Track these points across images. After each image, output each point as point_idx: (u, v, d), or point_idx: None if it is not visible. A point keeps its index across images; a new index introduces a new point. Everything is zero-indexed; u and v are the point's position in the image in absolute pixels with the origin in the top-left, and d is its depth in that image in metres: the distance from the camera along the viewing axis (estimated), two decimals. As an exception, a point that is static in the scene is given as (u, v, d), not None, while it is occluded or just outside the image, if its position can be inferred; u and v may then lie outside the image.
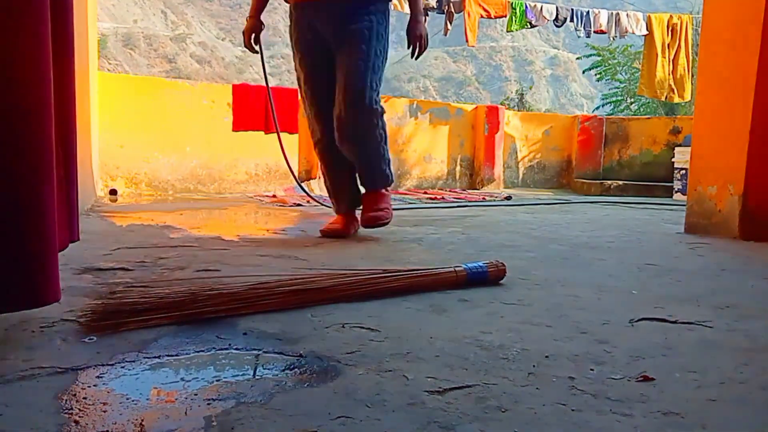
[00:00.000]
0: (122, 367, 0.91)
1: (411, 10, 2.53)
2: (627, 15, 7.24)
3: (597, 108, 16.71)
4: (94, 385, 0.84)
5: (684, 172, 5.47)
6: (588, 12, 7.18)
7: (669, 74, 7.33)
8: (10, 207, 0.95)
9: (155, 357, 0.96)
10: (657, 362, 0.99)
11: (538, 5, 7.01)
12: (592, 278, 1.68)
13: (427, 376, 0.90)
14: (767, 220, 2.59)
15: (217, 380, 0.87)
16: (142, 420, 0.73)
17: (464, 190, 6.13)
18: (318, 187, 5.07)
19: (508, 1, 6.90)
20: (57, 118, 1.15)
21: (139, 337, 1.04)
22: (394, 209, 3.79)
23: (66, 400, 0.78)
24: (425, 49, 2.47)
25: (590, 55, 15.53)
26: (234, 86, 5.05)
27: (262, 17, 2.56)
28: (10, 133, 0.94)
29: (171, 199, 4.27)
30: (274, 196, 4.65)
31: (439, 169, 6.20)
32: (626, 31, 7.21)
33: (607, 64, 15.26)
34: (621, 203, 4.85)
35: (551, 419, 0.76)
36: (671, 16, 7.48)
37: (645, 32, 7.31)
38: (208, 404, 0.78)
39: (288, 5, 2.51)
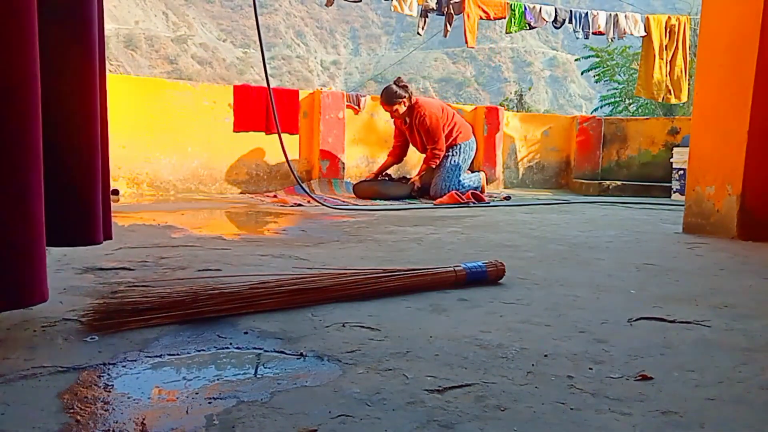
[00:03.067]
0: (124, 366, 0.92)
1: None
2: (625, 16, 7.24)
3: (596, 109, 16.70)
4: (96, 384, 0.84)
5: (682, 172, 5.47)
6: (586, 13, 7.18)
7: (666, 75, 7.33)
8: None
9: (157, 356, 0.97)
10: (655, 361, 0.99)
11: (537, 7, 7.01)
12: (590, 278, 1.69)
13: (427, 375, 0.90)
14: (765, 219, 2.59)
15: (218, 379, 0.88)
16: (144, 419, 0.73)
17: (464, 190, 6.14)
18: (318, 187, 5.07)
19: (507, 3, 6.90)
20: (79, 118, 1.21)
21: (141, 337, 1.05)
22: (394, 209, 3.80)
23: (68, 399, 0.78)
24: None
25: (589, 57, 15.54)
26: (235, 87, 5.05)
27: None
28: None
29: (172, 199, 4.27)
30: (275, 196, 4.66)
31: (439, 170, 6.21)
32: (624, 33, 7.21)
33: (605, 66, 15.27)
34: (619, 203, 4.85)
35: (550, 418, 0.77)
36: (669, 17, 7.48)
37: (643, 33, 7.31)
38: (210, 403, 0.79)
39: None
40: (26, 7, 0.96)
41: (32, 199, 0.98)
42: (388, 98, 4.71)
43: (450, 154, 4.77)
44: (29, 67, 0.97)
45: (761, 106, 2.54)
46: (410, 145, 5.01)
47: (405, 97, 4.69)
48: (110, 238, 1.43)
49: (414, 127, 4.79)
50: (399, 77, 4.93)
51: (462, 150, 4.80)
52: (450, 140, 4.77)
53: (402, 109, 4.71)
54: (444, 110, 4.83)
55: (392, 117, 4.87)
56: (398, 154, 5.06)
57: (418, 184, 4.82)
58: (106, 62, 1.37)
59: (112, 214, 3.26)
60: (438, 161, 4.76)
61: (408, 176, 4.96)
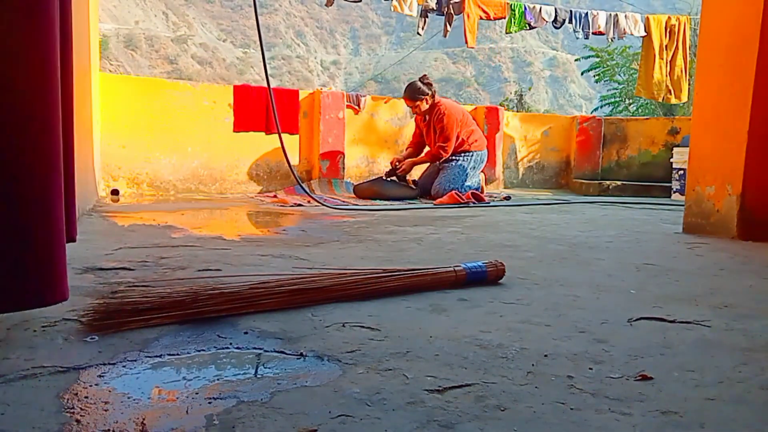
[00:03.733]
0: (124, 366, 0.92)
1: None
2: (625, 16, 7.24)
3: (596, 109, 16.71)
4: (96, 384, 0.84)
5: (682, 172, 5.47)
6: (587, 13, 7.18)
7: (666, 75, 7.33)
8: (16, 207, 0.96)
9: (156, 356, 0.97)
10: (655, 361, 0.99)
11: (537, 7, 7.01)
12: (590, 278, 1.69)
13: (427, 375, 0.90)
14: (765, 219, 2.59)
15: (218, 379, 0.88)
16: (144, 419, 0.73)
17: (464, 190, 6.14)
18: (318, 187, 5.07)
19: (507, 3, 6.90)
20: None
21: (141, 337, 1.05)
22: (394, 209, 3.80)
23: (68, 399, 0.78)
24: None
25: (589, 57, 15.55)
26: (235, 87, 5.05)
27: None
28: (16, 133, 0.95)
29: (172, 199, 4.27)
30: (275, 196, 4.66)
31: (439, 170, 6.21)
32: (624, 33, 7.21)
33: (605, 66, 15.28)
34: (619, 203, 4.85)
35: (550, 418, 0.77)
36: (669, 17, 7.48)
37: (643, 33, 7.31)
38: (210, 403, 0.79)
39: None
40: None
41: (52, 197, 0.99)
42: (412, 94, 4.77)
43: (460, 158, 4.81)
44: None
45: (761, 106, 2.54)
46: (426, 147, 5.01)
47: (428, 94, 4.74)
48: (73, 241, 1.40)
49: (431, 124, 4.82)
50: (425, 75, 4.97)
51: (473, 159, 4.85)
52: (465, 146, 4.83)
53: (424, 106, 4.75)
54: (464, 116, 4.89)
55: (413, 113, 4.94)
56: (415, 152, 5.09)
57: (396, 166, 4.83)
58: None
59: (113, 214, 3.24)
60: (441, 158, 4.78)
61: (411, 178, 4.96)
